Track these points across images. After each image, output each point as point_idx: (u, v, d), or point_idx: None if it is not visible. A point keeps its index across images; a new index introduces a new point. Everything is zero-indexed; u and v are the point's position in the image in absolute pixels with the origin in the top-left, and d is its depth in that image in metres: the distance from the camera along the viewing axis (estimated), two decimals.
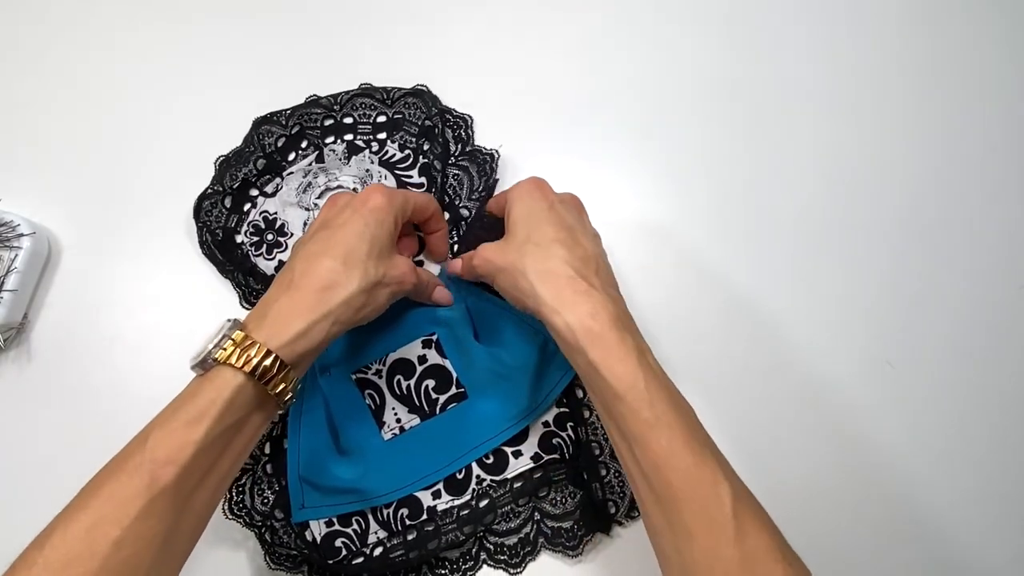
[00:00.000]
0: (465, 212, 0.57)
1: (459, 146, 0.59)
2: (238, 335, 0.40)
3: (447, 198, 0.58)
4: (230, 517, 0.50)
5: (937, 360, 0.56)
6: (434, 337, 0.54)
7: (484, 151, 0.59)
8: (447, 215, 0.57)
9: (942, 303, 0.57)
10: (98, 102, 0.63)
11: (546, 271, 0.43)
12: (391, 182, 0.58)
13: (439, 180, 0.57)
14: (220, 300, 0.56)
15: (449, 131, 0.60)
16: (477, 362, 0.52)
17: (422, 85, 0.61)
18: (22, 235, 0.55)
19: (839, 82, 0.64)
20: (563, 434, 0.52)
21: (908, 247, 0.59)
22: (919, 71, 0.65)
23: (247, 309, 0.57)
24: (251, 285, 0.56)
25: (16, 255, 0.54)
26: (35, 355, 0.55)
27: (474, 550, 0.50)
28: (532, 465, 0.52)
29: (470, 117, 0.60)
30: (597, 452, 0.52)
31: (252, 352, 0.39)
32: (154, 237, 0.58)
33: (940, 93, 0.64)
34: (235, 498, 0.51)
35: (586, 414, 0.52)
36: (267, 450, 0.52)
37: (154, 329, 0.56)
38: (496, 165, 0.58)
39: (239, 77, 0.64)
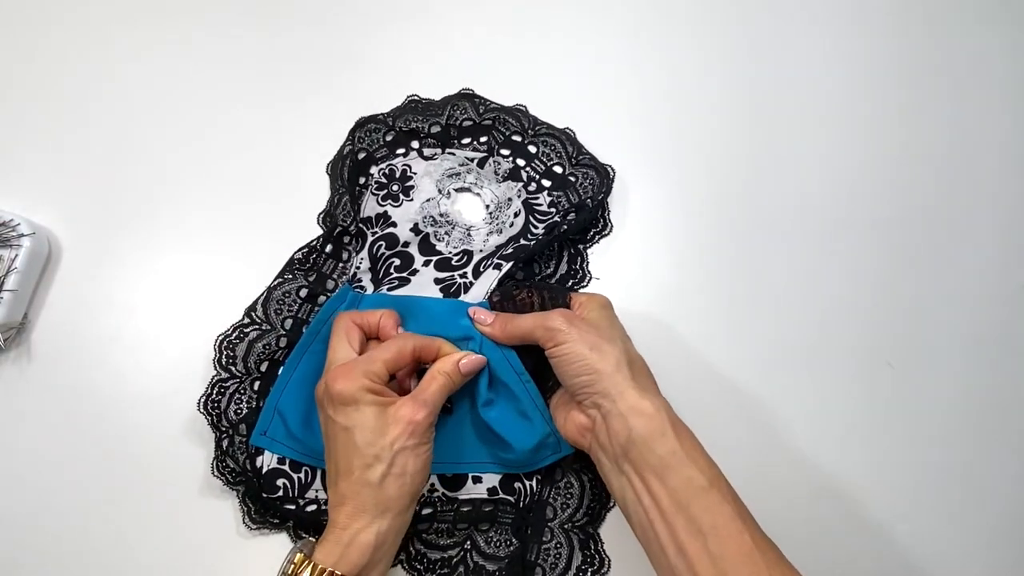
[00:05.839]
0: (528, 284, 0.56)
1: (578, 236, 0.59)
2: (299, 557, 0.44)
3: (535, 258, 0.58)
4: (201, 411, 0.52)
5: (937, 360, 0.56)
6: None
7: (586, 266, 0.59)
8: (523, 266, 0.57)
9: (942, 303, 0.58)
10: (98, 101, 0.62)
11: (633, 362, 0.48)
12: (520, 221, 0.58)
13: (548, 241, 0.57)
14: (220, 300, 0.56)
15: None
16: (474, 397, 0.52)
17: (611, 166, 0.60)
18: (22, 235, 0.55)
19: (839, 82, 0.64)
20: (527, 483, 0.52)
21: (908, 247, 0.59)
22: (919, 72, 0.64)
23: (320, 227, 0.58)
24: (339, 210, 0.57)
25: (16, 255, 0.54)
26: (35, 355, 0.55)
27: None
28: (485, 497, 0.52)
29: (612, 225, 0.60)
30: (550, 515, 0.52)
31: (310, 572, 0.43)
32: (154, 237, 0.59)
33: (940, 93, 0.64)
34: (213, 396, 0.53)
35: (557, 475, 0.53)
36: (263, 368, 0.54)
37: (154, 329, 0.56)
38: (581, 288, 0.58)
39: (239, 76, 0.64)
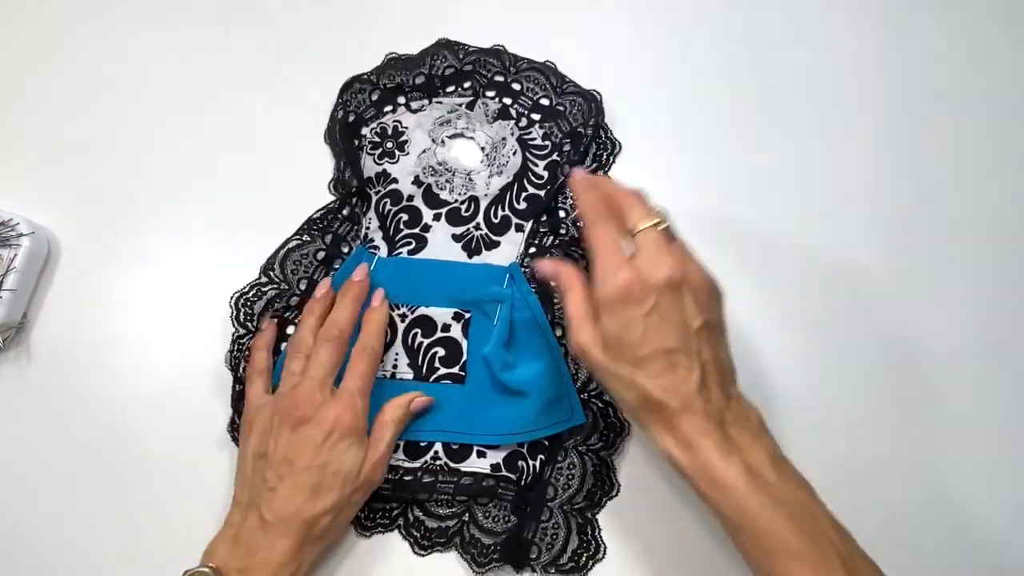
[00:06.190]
0: (563, 230, 0.58)
1: (594, 165, 0.60)
2: None
3: (555, 203, 0.58)
4: (227, 367, 0.53)
5: (937, 360, 0.56)
6: (467, 315, 0.55)
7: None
8: (545, 217, 0.58)
9: (942, 302, 0.57)
10: (98, 101, 0.62)
11: (643, 396, 0.41)
12: (518, 160, 0.59)
13: (559, 183, 0.58)
14: (221, 299, 0.55)
15: (594, 146, 0.60)
16: (490, 363, 0.53)
17: (597, 91, 0.61)
18: (22, 234, 0.54)
19: (838, 80, 0.64)
20: (531, 462, 0.52)
21: (908, 246, 0.59)
22: (921, 70, 0.64)
23: (332, 195, 0.58)
24: (346, 176, 0.58)
25: (16, 254, 0.54)
26: (35, 355, 0.55)
27: (394, 512, 0.51)
28: (488, 472, 0.52)
29: (620, 145, 0.61)
30: (550, 495, 0.52)
31: None
32: (154, 236, 0.59)
33: (942, 92, 0.63)
34: (234, 353, 0.53)
35: (559, 457, 0.53)
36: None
37: (154, 329, 0.56)
38: None
39: (240, 75, 0.63)
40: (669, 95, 0.63)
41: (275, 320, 0.54)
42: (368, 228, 0.57)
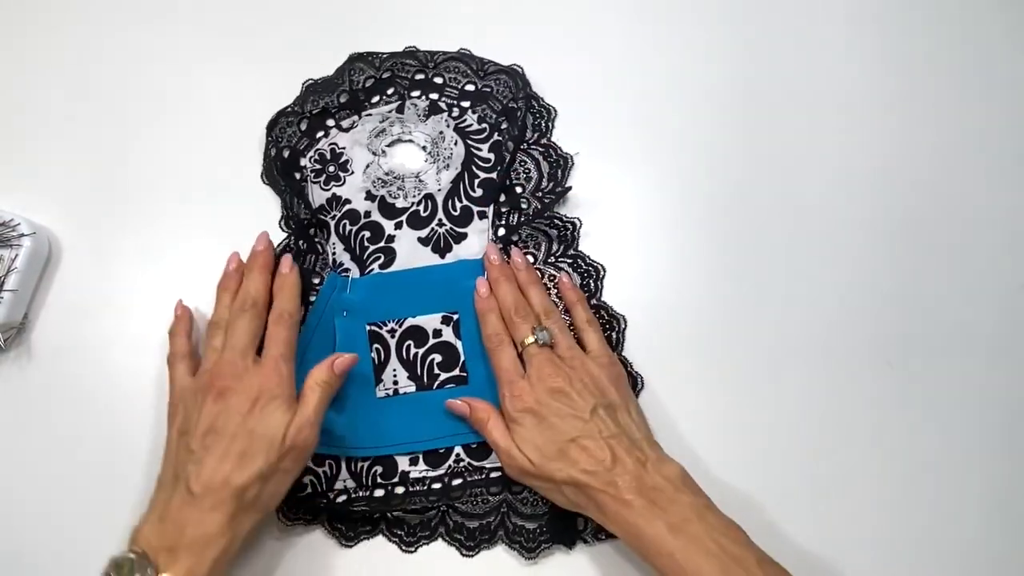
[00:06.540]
0: (524, 204, 0.57)
1: (535, 135, 0.60)
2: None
3: (509, 181, 0.58)
4: None
5: (937, 360, 0.56)
6: (455, 316, 0.55)
7: (560, 151, 0.59)
8: (503, 197, 0.58)
9: (942, 303, 0.57)
10: (98, 101, 0.62)
11: (574, 484, 0.46)
12: (460, 149, 0.58)
13: (507, 161, 0.58)
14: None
15: (530, 117, 0.60)
16: (486, 356, 0.52)
17: (518, 65, 0.61)
18: (22, 235, 0.54)
19: (839, 80, 0.63)
20: None
21: (908, 246, 0.59)
22: (918, 69, 0.64)
23: (284, 231, 0.58)
24: (295, 210, 0.57)
25: (16, 255, 0.54)
26: (35, 355, 0.55)
27: (434, 522, 0.51)
28: None
29: (555, 110, 0.60)
30: None
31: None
32: (155, 237, 0.58)
33: (940, 91, 0.63)
34: None
35: None
36: None
37: (154, 329, 0.55)
38: (569, 172, 0.59)
39: (243, 74, 0.63)
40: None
41: (187, 306, 0.54)
42: (335, 253, 0.56)
